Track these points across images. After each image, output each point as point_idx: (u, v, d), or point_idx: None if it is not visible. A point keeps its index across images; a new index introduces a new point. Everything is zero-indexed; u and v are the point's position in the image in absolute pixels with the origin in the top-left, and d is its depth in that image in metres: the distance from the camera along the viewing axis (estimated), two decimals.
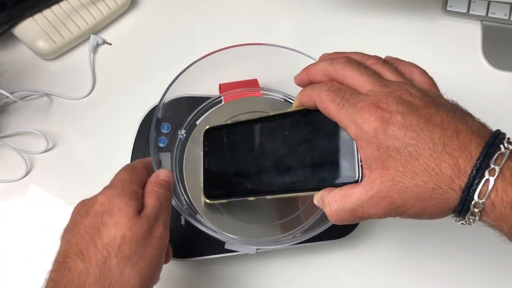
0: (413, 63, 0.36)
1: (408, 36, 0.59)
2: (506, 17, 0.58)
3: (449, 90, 0.57)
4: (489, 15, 0.58)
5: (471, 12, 0.59)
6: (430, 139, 0.28)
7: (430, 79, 0.35)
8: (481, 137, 0.28)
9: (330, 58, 0.34)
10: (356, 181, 0.32)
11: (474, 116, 0.31)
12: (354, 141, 0.32)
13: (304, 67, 0.36)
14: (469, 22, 0.60)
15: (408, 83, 0.32)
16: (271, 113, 0.38)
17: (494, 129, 0.30)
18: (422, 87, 0.32)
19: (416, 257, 0.48)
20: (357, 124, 0.30)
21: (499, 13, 0.58)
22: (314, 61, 0.44)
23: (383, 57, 0.36)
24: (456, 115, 0.30)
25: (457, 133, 0.28)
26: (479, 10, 0.59)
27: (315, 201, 0.34)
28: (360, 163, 0.32)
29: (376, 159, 0.30)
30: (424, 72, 0.35)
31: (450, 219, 0.51)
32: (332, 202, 0.32)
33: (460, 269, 0.47)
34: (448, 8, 0.59)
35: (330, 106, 0.32)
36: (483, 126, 0.30)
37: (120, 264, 0.31)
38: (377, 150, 0.30)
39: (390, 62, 0.34)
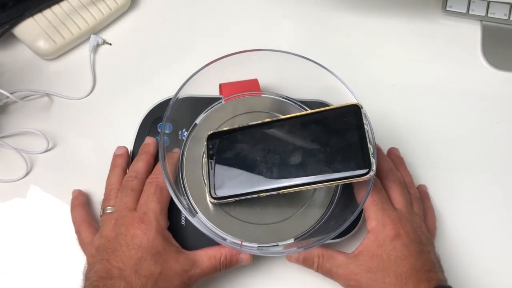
0: (433, 211, 0.48)
1: (408, 36, 0.59)
2: (506, 17, 0.58)
3: (449, 90, 0.57)
4: (489, 15, 0.58)
5: (470, 12, 0.59)
6: (411, 267, 0.39)
7: (434, 227, 0.47)
8: None
9: (392, 168, 0.46)
10: (366, 173, 0.37)
11: (438, 271, 0.40)
12: (365, 139, 0.38)
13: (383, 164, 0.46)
14: (469, 22, 0.60)
15: (423, 223, 0.44)
16: (282, 116, 0.42)
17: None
18: (427, 230, 0.44)
19: None
20: (379, 223, 0.41)
21: (499, 13, 0.58)
22: (312, 62, 0.45)
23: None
24: (425, 265, 0.39)
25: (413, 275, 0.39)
26: (479, 10, 0.59)
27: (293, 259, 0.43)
28: (371, 155, 0.37)
29: (371, 250, 0.40)
30: (434, 219, 0.47)
31: (449, 217, 0.51)
32: (321, 256, 0.42)
33: (460, 268, 0.47)
34: (448, 8, 0.59)
35: (368, 199, 0.42)
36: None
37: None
38: (377, 247, 0.40)
39: (421, 199, 0.47)
